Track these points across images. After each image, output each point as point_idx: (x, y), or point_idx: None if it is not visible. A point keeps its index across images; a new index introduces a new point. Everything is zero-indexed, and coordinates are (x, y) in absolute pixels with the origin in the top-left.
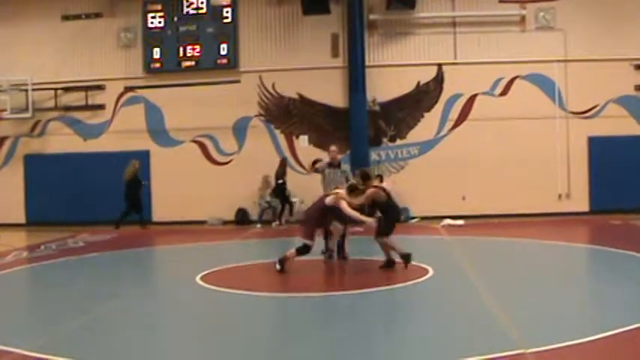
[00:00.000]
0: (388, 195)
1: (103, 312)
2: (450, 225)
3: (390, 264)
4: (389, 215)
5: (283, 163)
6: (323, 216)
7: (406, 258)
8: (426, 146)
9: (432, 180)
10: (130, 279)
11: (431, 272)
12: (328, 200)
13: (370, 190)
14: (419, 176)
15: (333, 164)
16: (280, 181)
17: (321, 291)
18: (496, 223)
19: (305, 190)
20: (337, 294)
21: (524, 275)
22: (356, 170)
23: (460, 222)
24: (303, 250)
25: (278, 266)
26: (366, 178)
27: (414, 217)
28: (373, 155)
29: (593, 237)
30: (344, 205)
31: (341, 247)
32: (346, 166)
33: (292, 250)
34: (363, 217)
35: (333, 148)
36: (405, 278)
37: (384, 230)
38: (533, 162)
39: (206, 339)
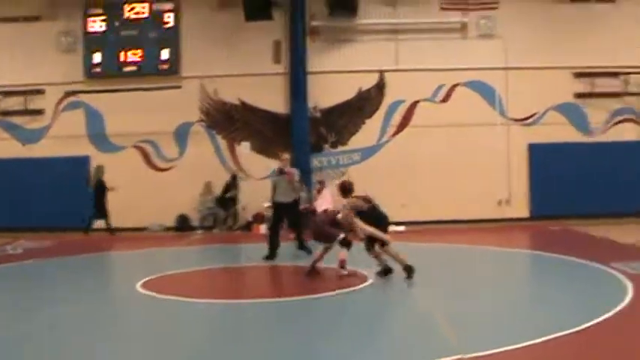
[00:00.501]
0: (372, 202)
1: (40, 320)
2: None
3: (386, 272)
4: (375, 223)
5: (234, 178)
6: (332, 226)
7: (409, 270)
8: (367, 152)
9: (374, 186)
10: (68, 287)
11: (370, 279)
12: (340, 217)
13: (348, 201)
14: (360, 182)
15: (283, 171)
16: (228, 195)
17: (258, 298)
18: (436, 230)
19: (247, 195)
20: (272, 301)
21: (463, 281)
22: (300, 174)
23: (401, 228)
24: (347, 245)
25: (344, 272)
26: (345, 191)
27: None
28: (314, 161)
29: (533, 242)
30: (360, 226)
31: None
32: (293, 170)
33: (342, 251)
34: (381, 235)
35: (285, 156)
36: (345, 285)
37: (370, 241)
38: (474, 168)
39: (144, 346)
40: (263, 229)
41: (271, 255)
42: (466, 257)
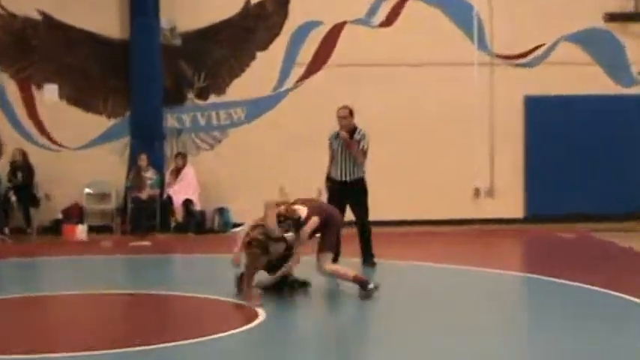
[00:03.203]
0: None
1: None
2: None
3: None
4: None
5: (24, 156)
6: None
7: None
8: (257, 107)
9: (267, 162)
10: None
11: (262, 315)
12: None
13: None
14: (245, 157)
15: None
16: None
17: (75, 351)
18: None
19: (53, 177)
20: (100, 354)
21: (426, 324)
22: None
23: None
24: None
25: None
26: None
27: (237, 225)
28: (170, 120)
29: (538, 260)
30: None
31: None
32: (363, 132)
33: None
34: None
35: (342, 111)
36: (226, 325)
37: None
38: (436, 138)
39: None
40: (81, 231)
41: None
42: (431, 284)
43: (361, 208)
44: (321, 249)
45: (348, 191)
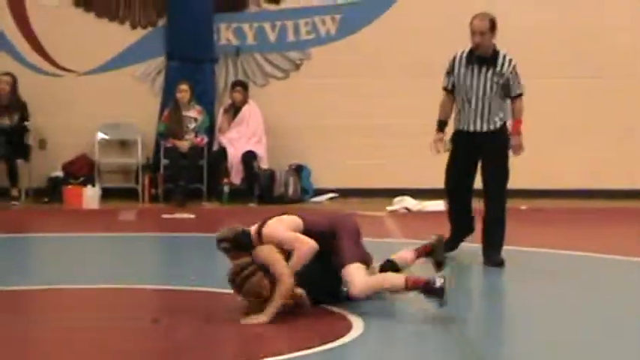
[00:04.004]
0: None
1: None
2: (407, 210)
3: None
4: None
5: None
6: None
7: None
8: (356, 14)
9: (370, 98)
10: None
11: (359, 327)
12: None
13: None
14: (336, 90)
15: (474, 54)
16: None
17: None
18: (526, 210)
19: (52, 112)
20: None
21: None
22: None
23: (436, 204)
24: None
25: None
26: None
27: (321, 192)
28: (225, 32)
29: None
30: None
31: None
32: (511, 60)
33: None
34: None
35: (479, 23)
36: (308, 341)
37: None
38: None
39: None
40: (91, 196)
41: (454, 242)
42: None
43: (498, 171)
44: (343, 262)
45: (481, 147)
